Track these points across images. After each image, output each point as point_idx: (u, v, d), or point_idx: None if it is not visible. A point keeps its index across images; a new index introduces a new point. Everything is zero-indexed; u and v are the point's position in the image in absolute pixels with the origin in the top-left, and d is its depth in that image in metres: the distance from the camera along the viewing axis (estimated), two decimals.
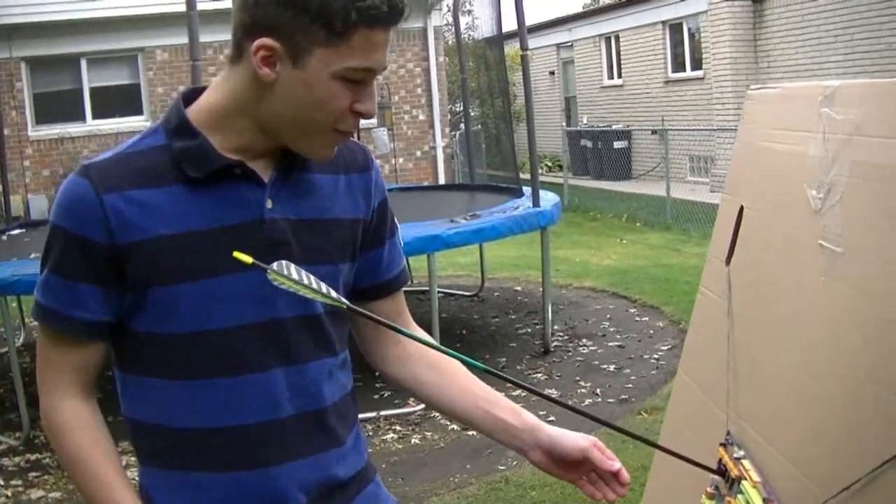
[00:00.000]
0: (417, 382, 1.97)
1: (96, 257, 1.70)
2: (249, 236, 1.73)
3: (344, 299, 1.68)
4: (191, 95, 1.81)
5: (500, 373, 1.84)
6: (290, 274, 1.61)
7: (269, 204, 1.75)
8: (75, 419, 1.77)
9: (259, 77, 1.67)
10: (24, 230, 10.13)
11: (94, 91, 16.77)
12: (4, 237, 9.61)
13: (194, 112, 1.77)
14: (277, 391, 1.77)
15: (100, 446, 1.77)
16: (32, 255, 7.57)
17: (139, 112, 16.90)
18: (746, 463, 1.79)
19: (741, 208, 1.91)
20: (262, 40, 1.64)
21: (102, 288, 1.72)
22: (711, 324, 2.02)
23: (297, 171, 1.81)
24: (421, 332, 2.02)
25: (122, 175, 1.71)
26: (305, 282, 1.62)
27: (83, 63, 16.63)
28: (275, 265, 1.61)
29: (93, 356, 1.78)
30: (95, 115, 16.74)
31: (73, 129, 16.58)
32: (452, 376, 1.95)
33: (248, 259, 1.58)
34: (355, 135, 1.96)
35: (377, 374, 2.05)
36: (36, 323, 1.80)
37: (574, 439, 1.83)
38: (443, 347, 1.88)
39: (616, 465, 1.80)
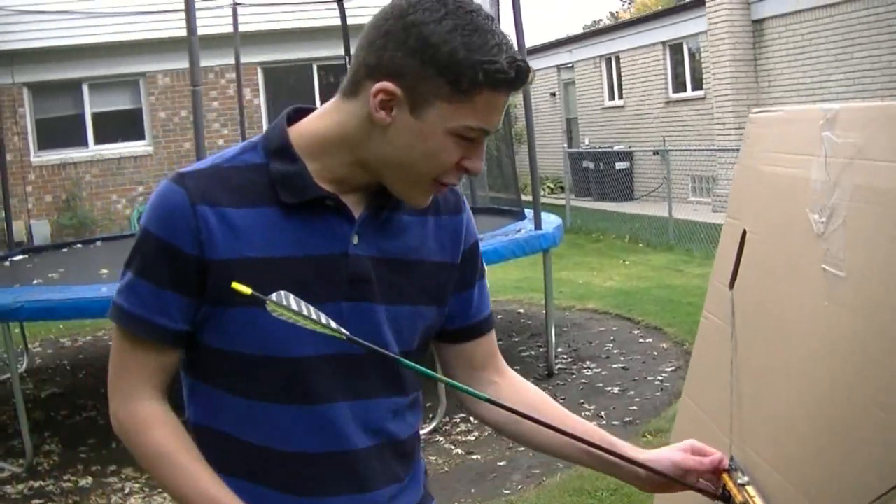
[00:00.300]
0: (514, 423, 1.91)
1: (185, 267, 1.70)
2: (332, 269, 1.73)
3: (344, 331, 1.65)
4: (294, 115, 1.81)
5: (502, 403, 1.83)
6: (289, 304, 1.61)
7: (355, 240, 1.75)
8: (154, 416, 1.76)
9: (372, 118, 1.67)
10: (26, 256, 10.14)
11: (96, 116, 16.84)
12: (7, 263, 9.61)
13: (296, 136, 1.77)
14: (342, 424, 1.76)
15: (182, 441, 1.76)
16: (35, 282, 7.57)
17: (141, 137, 16.97)
18: (751, 489, 1.78)
19: (744, 232, 1.91)
20: (383, 84, 1.64)
21: (188, 298, 1.72)
22: (715, 348, 2.01)
23: (389, 210, 1.80)
24: (510, 375, 2.04)
25: (217, 189, 1.72)
26: (305, 312, 1.62)
27: (85, 88, 16.70)
28: (273, 296, 1.60)
29: (171, 362, 1.78)
30: (98, 140, 16.81)
31: (75, 154, 16.64)
32: (545, 413, 1.92)
33: (246, 290, 1.58)
34: None
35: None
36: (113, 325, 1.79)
37: (668, 458, 1.83)
38: (446, 379, 1.88)
39: (715, 458, 1.82)
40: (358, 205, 1.78)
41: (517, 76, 1.64)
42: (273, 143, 1.76)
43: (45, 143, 16.63)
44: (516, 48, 1.72)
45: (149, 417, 1.76)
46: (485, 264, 2.04)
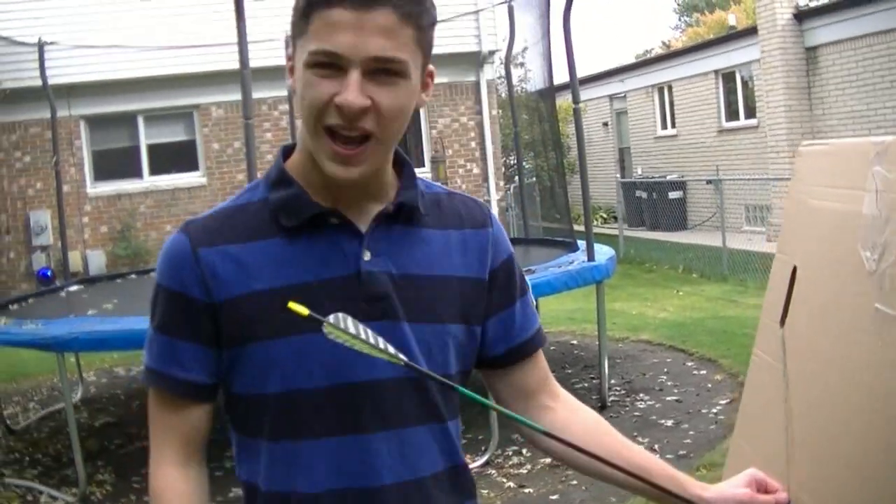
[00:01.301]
0: (572, 451, 1.75)
1: (195, 314, 1.68)
2: (346, 290, 1.68)
3: (402, 356, 1.59)
4: (292, 147, 1.79)
5: (565, 439, 1.73)
6: (346, 327, 1.54)
7: (366, 256, 1.70)
8: (169, 489, 1.74)
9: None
10: (82, 286, 10.25)
11: (150, 148, 17.01)
12: (63, 293, 9.72)
13: (290, 162, 1.76)
14: (374, 456, 1.69)
15: None
16: (90, 312, 7.64)
17: (195, 168, 17.10)
18: None
19: (794, 268, 1.87)
20: (288, 52, 1.67)
21: (201, 346, 1.70)
22: (767, 388, 1.97)
23: (402, 224, 1.75)
24: (565, 399, 1.95)
25: (220, 230, 1.71)
26: (363, 336, 1.55)
27: (140, 120, 16.88)
28: (331, 318, 1.54)
29: (195, 420, 1.75)
30: (152, 172, 16.97)
31: (130, 185, 16.81)
32: (604, 443, 1.83)
33: (304, 311, 1.52)
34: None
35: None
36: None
37: (733, 497, 1.74)
38: (507, 412, 1.79)
39: (781, 498, 1.75)
40: (366, 220, 1.72)
41: None
42: (272, 177, 1.75)
43: (100, 174, 16.81)
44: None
45: (166, 489, 1.74)
46: (529, 286, 1.95)
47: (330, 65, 1.58)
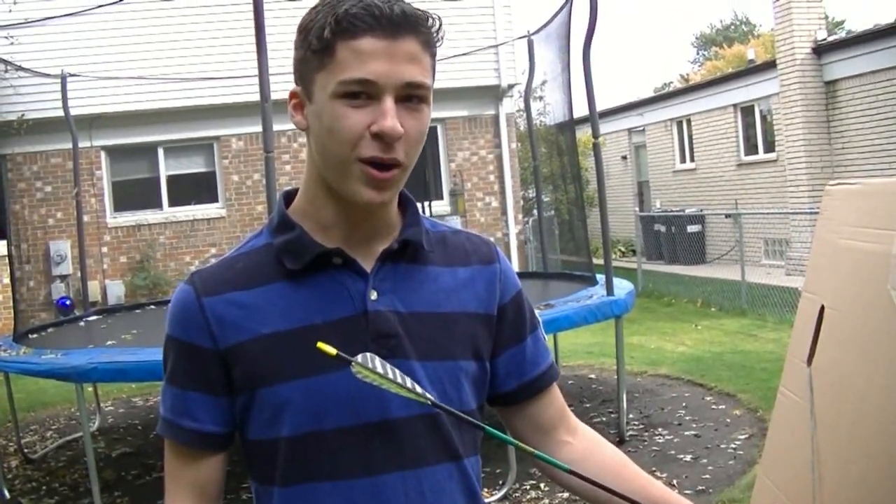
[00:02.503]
0: (591, 488, 1.75)
1: (203, 363, 1.68)
2: (354, 331, 1.66)
3: (430, 395, 1.59)
4: (293, 192, 1.80)
5: (590, 478, 1.71)
6: (374, 367, 1.55)
7: (373, 296, 1.69)
8: None
9: (304, 131, 1.68)
10: (101, 316, 10.27)
11: (170, 179, 17.07)
12: (82, 323, 9.75)
13: (293, 207, 1.76)
14: (391, 497, 1.67)
15: None
16: (108, 342, 7.66)
17: (214, 199, 17.14)
18: None
19: (822, 308, 1.86)
20: (292, 89, 1.67)
21: (212, 396, 1.70)
22: (794, 427, 1.95)
23: (407, 262, 1.74)
24: (583, 433, 1.93)
25: (224, 278, 1.71)
26: (391, 376, 1.55)
27: (160, 151, 16.95)
28: (359, 357, 1.54)
29: (208, 470, 1.75)
30: (172, 203, 17.02)
31: (150, 216, 16.86)
32: (625, 478, 1.81)
33: (332, 351, 1.52)
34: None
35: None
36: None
37: None
38: (529, 449, 1.76)
39: None
40: (370, 259, 1.72)
41: (374, 18, 1.56)
42: (274, 222, 1.75)
43: (120, 204, 16.88)
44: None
45: None
46: (539, 321, 1.95)
47: (360, 94, 1.58)
